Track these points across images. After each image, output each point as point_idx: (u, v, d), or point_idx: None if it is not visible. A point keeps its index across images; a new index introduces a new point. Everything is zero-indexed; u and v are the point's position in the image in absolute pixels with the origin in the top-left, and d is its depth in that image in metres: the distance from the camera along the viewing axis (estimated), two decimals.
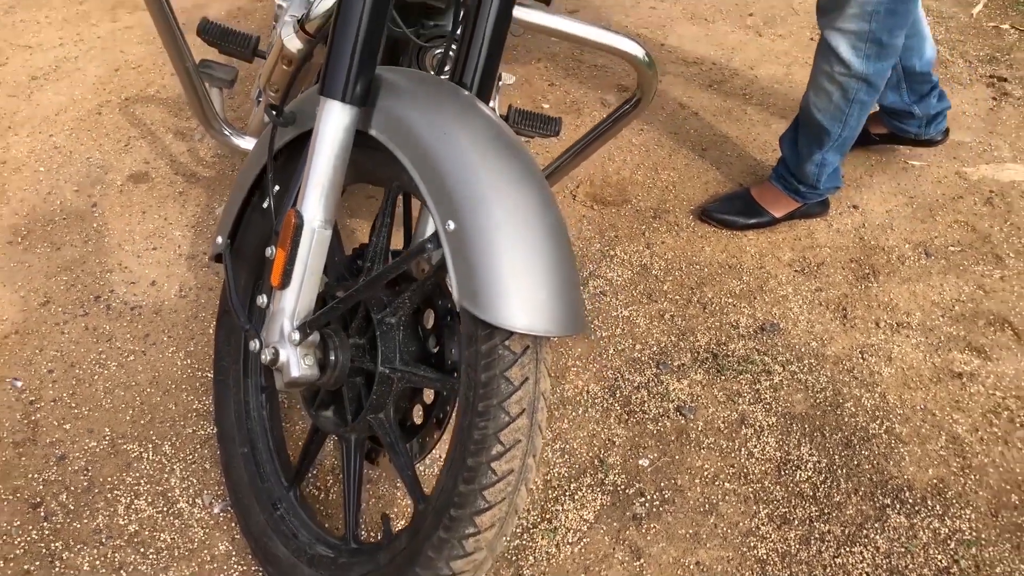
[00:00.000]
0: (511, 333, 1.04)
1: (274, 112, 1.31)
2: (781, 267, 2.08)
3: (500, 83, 2.10)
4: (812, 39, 2.89)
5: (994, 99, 2.72)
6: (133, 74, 2.61)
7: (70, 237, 2.03)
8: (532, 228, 1.07)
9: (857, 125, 2.02)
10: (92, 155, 2.29)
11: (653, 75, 1.56)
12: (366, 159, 1.26)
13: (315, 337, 1.23)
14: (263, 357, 1.22)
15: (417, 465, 1.28)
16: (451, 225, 1.07)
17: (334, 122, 1.19)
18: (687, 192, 2.29)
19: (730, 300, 1.98)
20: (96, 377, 1.72)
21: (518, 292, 1.03)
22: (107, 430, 1.63)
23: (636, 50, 1.52)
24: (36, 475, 1.55)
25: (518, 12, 1.44)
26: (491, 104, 1.66)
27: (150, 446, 1.61)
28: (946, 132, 2.36)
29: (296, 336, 1.21)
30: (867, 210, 2.25)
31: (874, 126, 2.34)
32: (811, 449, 1.67)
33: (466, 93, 1.24)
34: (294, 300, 1.22)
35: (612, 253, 2.09)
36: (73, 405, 1.67)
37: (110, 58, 2.68)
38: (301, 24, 1.53)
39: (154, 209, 2.13)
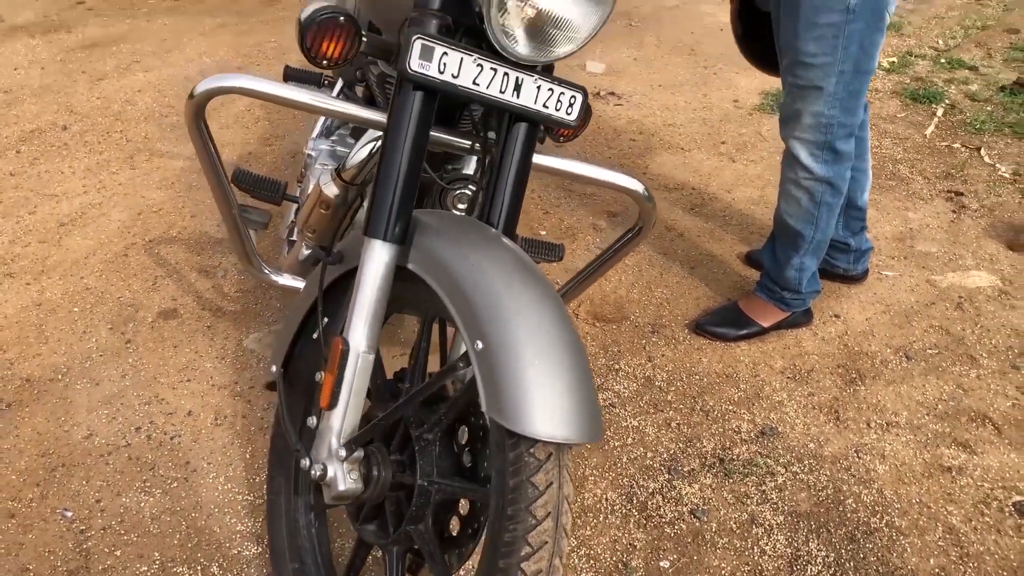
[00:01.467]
0: (535, 441, 1.17)
1: (324, 253, 1.47)
2: (774, 375, 2.23)
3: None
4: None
5: (953, 212, 2.95)
6: (155, 217, 2.78)
7: (108, 373, 2.15)
8: (552, 345, 1.21)
9: (827, 227, 2.22)
10: (122, 295, 2.43)
11: (652, 207, 1.74)
12: (405, 290, 1.40)
13: (359, 454, 1.35)
14: (312, 473, 1.34)
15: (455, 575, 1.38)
16: (479, 345, 1.21)
17: (377, 259, 1.34)
18: (680, 307, 2.46)
19: (730, 407, 2.12)
20: (142, 504, 1.81)
21: (541, 403, 1.16)
22: (156, 555, 1.71)
23: (637, 186, 1.71)
24: None
25: (536, 158, 1.63)
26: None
27: (199, 568, 1.69)
28: (867, 272, 2.58)
29: (343, 453, 1.33)
30: (848, 319, 2.43)
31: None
32: (819, 544, 1.79)
33: (492, 231, 1.41)
34: (340, 420, 1.34)
35: (617, 367, 2.24)
36: (122, 532, 1.75)
37: (132, 203, 2.86)
38: (338, 172, 1.70)
39: (185, 343, 2.26)
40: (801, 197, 2.17)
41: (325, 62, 1.33)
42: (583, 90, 1.46)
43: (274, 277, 1.93)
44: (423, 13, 1.35)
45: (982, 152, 3.33)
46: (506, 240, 1.39)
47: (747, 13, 2.31)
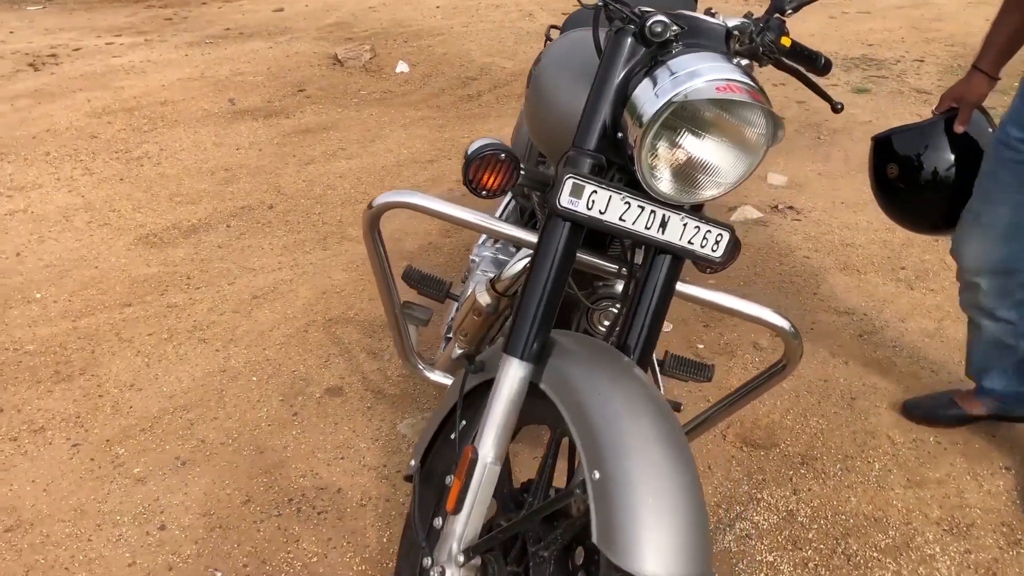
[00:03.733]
0: None
1: (467, 361, 1.56)
2: (929, 524, 2.11)
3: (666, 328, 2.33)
4: None
5: None
6: (337, 297, 3.00)
7: (271, 443, 2.33)
8: (668, 484, 1.23)
9: None
10: (297, 368, 2.62)
11: (798, 345, 1.72)
12: (536, 405, 1.46)
13: (476, 561, 1.40)
14: (432, 574, 1.40)
15: None
16: (596, 475, 1.24)
17: (512, 377, 1.41)
18: (835, 440, 2.38)
19: (875, 554, 2.02)
20: (282, 574, 1.94)
21: (650, 541, 1.18)
22: None
23: (783, 323, 1.69)
24: None
25: (680, 286, 1.67)
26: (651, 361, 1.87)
27: None
28: None
29: (461, 559, 1.38)
30: (1020, 472, 2.27)
31: (971, 406, 2.39)
32: None
33: (626, 359, 1.44)
34: (463, 526, 1.40)
35: (759, 496, 2.19)
36: None
37: (319, 282, 3.09)
38: (492, 283, 1.80)
39: (344, 421, 2.41)
40: None
41: (484, 192, 1.44)
42: (730, 228, 1.49)
43: (427, 373, 2.04)
44: (579, 152, 1.43)
45: None
46: (637, 371, 1.42)
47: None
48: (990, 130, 2.21)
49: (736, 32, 1.50)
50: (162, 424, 2.38)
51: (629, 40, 1.45)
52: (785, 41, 1.55)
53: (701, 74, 1.34)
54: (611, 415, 1.30)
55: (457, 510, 1.42)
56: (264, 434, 2.36)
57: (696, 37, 1.44)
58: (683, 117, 1.34)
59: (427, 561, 1.44)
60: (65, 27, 6.61)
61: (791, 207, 3.72)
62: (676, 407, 2.06)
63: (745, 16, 1.52)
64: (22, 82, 5.25)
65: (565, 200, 1.37)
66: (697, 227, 1.46)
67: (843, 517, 2.13)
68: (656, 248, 1.48)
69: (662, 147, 1.35)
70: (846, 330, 2.88)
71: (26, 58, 5.73)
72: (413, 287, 2.24)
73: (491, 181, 1.42)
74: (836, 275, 3.21)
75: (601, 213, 1.39)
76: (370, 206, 1.71)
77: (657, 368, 2.11)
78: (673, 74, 1.36)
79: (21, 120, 4.61)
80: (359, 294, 3.01)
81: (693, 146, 1.37)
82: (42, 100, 4.93)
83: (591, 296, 1.77)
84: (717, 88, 1.32)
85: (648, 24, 1.39)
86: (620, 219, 1.41)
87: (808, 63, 1.65)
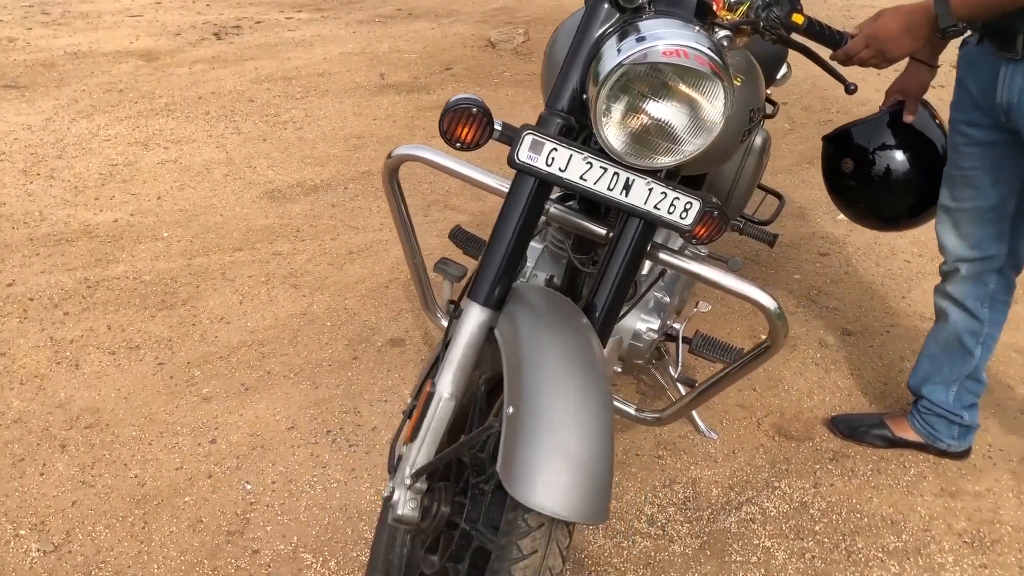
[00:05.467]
0: (530, 508, 1.25)
1: (452, 306, 1.66)
2: (950, 535, 2.03)
3: (696, 310, 2.34)
4: None
5: None
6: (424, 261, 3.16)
7: (327, 380, 2.52)
8: (574, 426, 1.28)
9: None
10: (369, 319, 2.81)
11: (783, 326, 1.70)
12: (496, 351, 1.54)
13: (422, 485, 1.50)
14: (384, 493, 1.52)
15: None
16: (511, 410, 1.31)
17: (472, 320, 1.50)
18: None
19: (879, 555, 1.97)
20: (303, 495, 2.12)
21: (543, 476, 1.24)
22: (295, 538, 2.00)
23: (769, 303, 1.66)
24: (233, 560, 1.94)
25: (670, 256, 1.69)
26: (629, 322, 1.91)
27: (320, 559, 1.95)
28: (967, 451, 2.27)
29: (408, 481, 1.49)
30: None
31: (902, 429, 2.28)
32: None
33: (579, 316, 1.50)
34: (416, 453, 1.51)
35: (776, 485, 2.17)
36: (279, 512, 2.06)
37: None
38: None
39: (397, 370, 2.57)
40: None
41: (459, 144, 1.52)
42: (701, 198, 1.50)
43: (443, 322, 2.16)
44: (551, 112, 1.51)
45: None
46: (584, 325, 1.48)
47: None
48: (934, 121, 2.20)
49: (720, 3, 1.51)
50: (238, 354, 2.63)
51: (606, 6, 1.50)
52: (797, 18, 1.56)
53: (658, 38, 1.38)
54: (538, 358, 1.37)
55: (412, 438, 1.53)
56: (323, 372, 2.56)
57: (669, 4, 1.47)
58: (637, 79, 1.38)
59: (388, 483, 1.57)
60: (254, 2, 7.15)
61: None
62: (690, 383, 2.08)
63: None
64: (204, 49, 5.76)
65: (524, 155, 1.44)
66: (664, 193, 1.48)
67: (858, 515, 2.08)
68: (627, 212, 1.52)
69: (616, 107, 1.40)
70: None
71: (213, 28, 6.27)
72: (459, 247, 2.37)
73: (465, 133, 1.48)
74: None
75: (561, 171, 1.45)
76: (389, 156, 1.83)
77: (681, 345, 2.14)
78: (634, 37, 1.40)
79: (193, 82, 5.08)
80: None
81: (645, 109, 1.40)
82: (216, 66, 5.39)
83: (586, 263, 1.82)
84: (664, 53, 1.35)
85: None
86: (581, 178, 1.46)
87: (828, 42, 1.64)
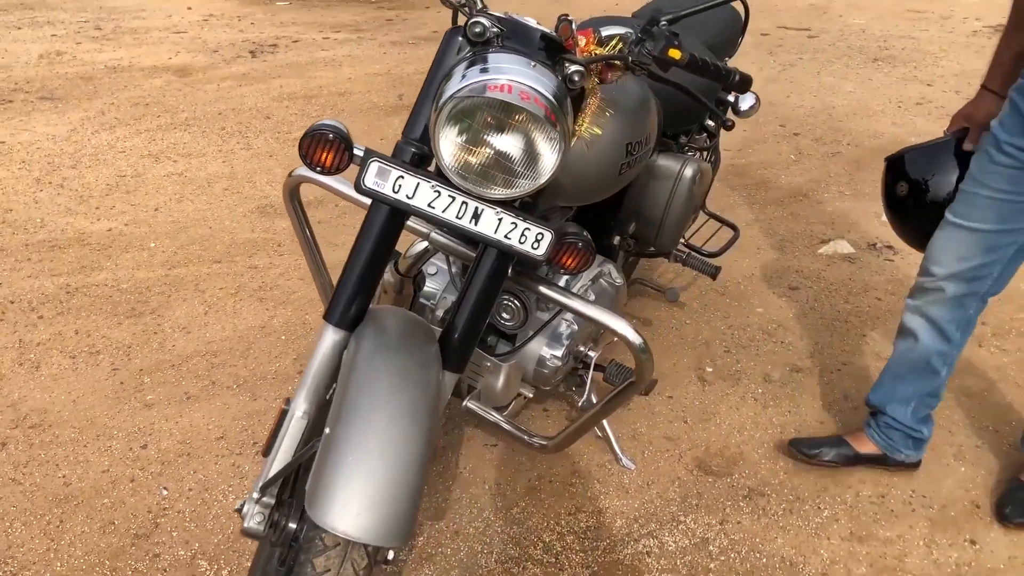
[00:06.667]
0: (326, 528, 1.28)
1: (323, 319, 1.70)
2: None
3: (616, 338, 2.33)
4: None
5: None
6: None
7: (267, 392, 2.59)
8: (385, 451, 1.31)
9: None
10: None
11: (648, 360, 1.70)
12: None
13: (268, 500, 1.54)
14: (236, 504, 1.57)
15: None
16: (327, 431, 1.35)
17: (325, 340, 1.55)
18: (796, 481, 2.28)
19: None
20: (215, 503, 2.18)
21: (342, 497, 1.27)
22: (196, 545, 2.06)
23: (633, 337, 1.66)
24: (133, 563, 2.01)
25: (529, 282, 1.72)
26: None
27: (216, 566, 2.00)
28: (919, 462, 2.31)
29: (255, 495, 1.53)
30: (984, 548, 2.06)
31: (861, 444, 2.30)
32: None
33: (429, 343, 1.53)
34: (268, 467, 1.55)
35: (682, 519, 2.15)
36: (187, 519, 2.13)
37: None
38: (396, 264, 1.93)
39: None
40: None
41: (319, 168, 1.57)
42: (553, 230, 1.52)
43: None
44: (405, 142, 1.55)
45: None
46: (429, 352, 1.51)
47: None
48: None
49: (590, 37, 1.53)
50: (190, 363, 2.72)
51: (460, 37, 1.54)
52: (674, 53, 1.56)
53: (497, 72, 1.41)
54: (366, 382, 1.41)
55: (266, 453, 1.58)
56: (266, 384, 2.63)
57: (516, 39, 1.50)
58: (468, 110, 1.41)
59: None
60: (297, 21, 7.36)
61: (890, 246, 3.49)
62: (651, 387, 2.08)
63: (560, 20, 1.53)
64: (237, 66, 5.95)
65: (370, 181, 1.49)
66: (514, 223, 1.51)
67: (757, 555, 2.05)
68: (477, 240, 1.55)
69: (450, 136, 1.43)
70: (876, 376, 2.69)
71: (251, 46, 6.47)
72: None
73: (324, 158, 1.53)
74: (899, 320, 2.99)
75: (409, 198, 1.49)
76: (289, 175, 1.89)
77: (593, 373, 2.14)
78: (478, 68, 1.44)
79: (218, 98, 5.25)
80: None
81: (481, 139, 1.43)
82: (243, 83, 5.57)
83: None
84: (490, 87, 1.38)
85: (468, 24, 1.48)
86: (429, 206, 1.50)
87: (715, 78, 1.64)
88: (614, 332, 1.68)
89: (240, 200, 3.89)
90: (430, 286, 2.08)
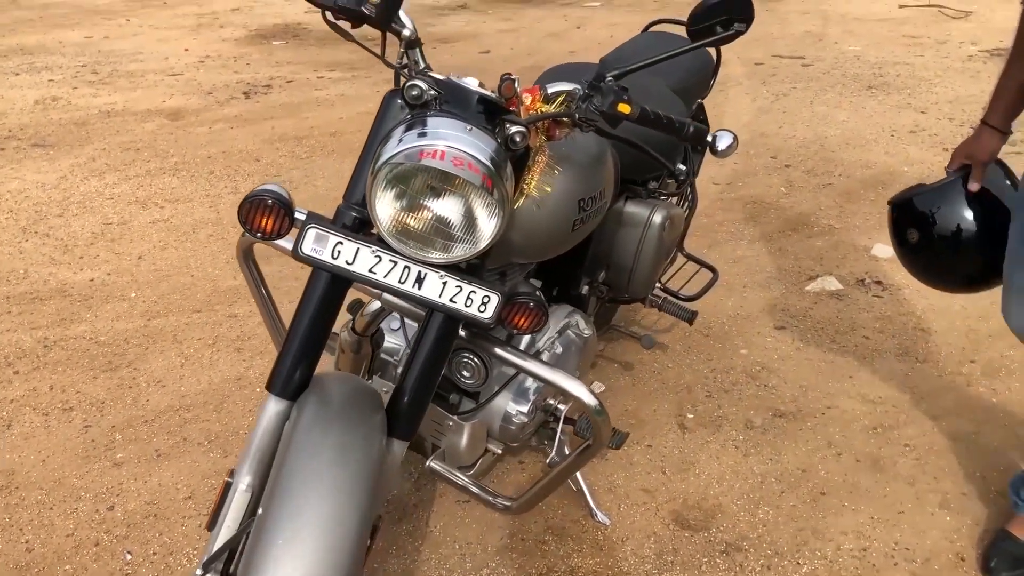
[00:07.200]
0: None
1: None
2: None
3: (595, 390, 2.29)
4: None
5: None
6: None
7: (238, 449, 2.54)
8: (317, 533, 1.26)
9: None
10: None
11: (604, 422, 1.65)
12: None
13: (214, 575, 1.50)
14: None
15: None
16: (260, 511, 1.31)
17: (267, 411, 1.51)
18: (776, 535, 2.21)
19: None
20: (180, 568, 2.14)
21: None
22: None
23: (589, 399, 1.61)
24: None
25: (483, 342, 1.68)
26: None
27: None
28: None
29: (199, 572, 1.49)
30: None
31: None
32: None
33: (378, 417, 1.49)
34: (212, 542, 1.51)
35: None
36: None
37: None
38: (352, 324, 1.89)
39: None
40: None
41: (259, 235, 1.53)
42: (501, 293, 1.48)
43: None
44: (347, 205, 1.52)
45: None
46: (374, 422, 1.47)
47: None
48: (1007, 182, 2.09)
49: (499, 99, 1.49)
50: (163, 419, 2.68)
51: (399, 100, 1.52)
52: (624, 108, 1.53)
53: (428, 137, 1.39)
54: (302, 459, 1.37)
55: (210, 527, 1.53)
56: (238, 440, 2.58)
57: (454, 102, 1.47)
58: (403, 175, 1.38)
59: None
60: (292, 60, 7.39)
61: (879, 282, 3.43)
62: (621, 441, 2.04)
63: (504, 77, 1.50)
64: (230, 108, 5.96)
65: (308, 248, 1.46)
66: (459, 286, 1.48)
67: None
68: (422, 305, 1.51)
69: (387, 201, 1.40)
70: (862, 420, 2.64)
71: (245, 87, 6.50)
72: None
73: (264, 224, 1.50)
74: (888, 360, 2.94)
75: (348, 264, 1.46)
76: (242, 235, 1.86)
77: (563, 427, 2.09)
78: (416, 132, 1.41)
79: (209, 141, 5.26)
80: None
81: (417, 204, 1.40)
82: (235, 125, 5.58)
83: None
84: (420, 154, 1.35)
85: (405, 87, 1.46)
86: (370, 271, 1.47)
87: (668, 131, 1.61)
88: (569, 394, 1.64)
89: (224, 246, 3.87)
90: (392, 342, 2.04)
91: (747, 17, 1.54)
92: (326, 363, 2.09)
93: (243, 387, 2.83)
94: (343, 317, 1.83)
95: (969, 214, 2.08)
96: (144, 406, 2.75)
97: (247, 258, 1.93)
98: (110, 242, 3.91)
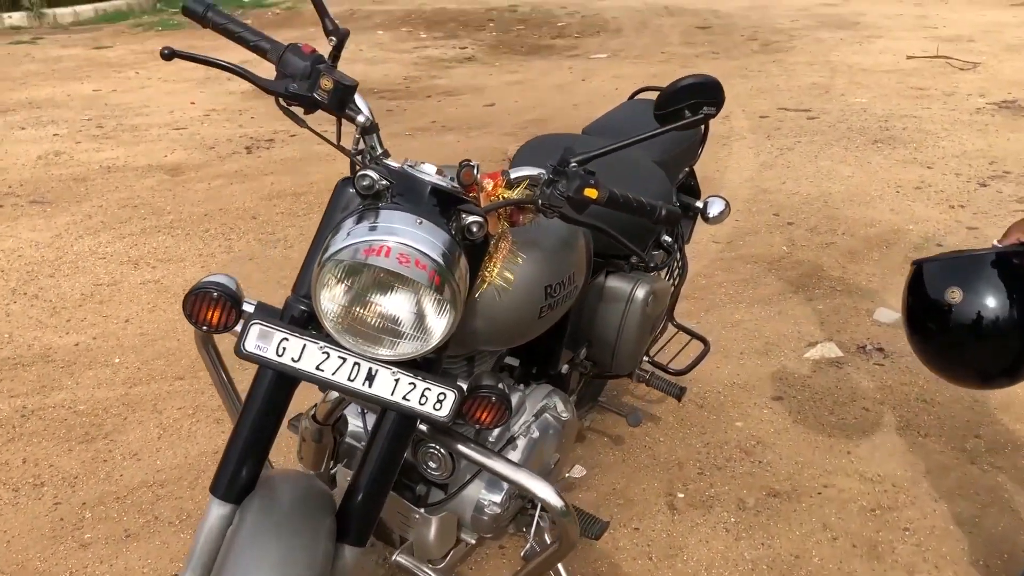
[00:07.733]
0: None
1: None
2: None
3: (568, 476, 2.20)
4: None
5: None
6: None
7: None
8: None
9: None
10: (277, 460, 2.75)
11: (571, 523, 1.56)
12: None
13: None
14: None
15: None
16: None
17: (212, 513, 1.44)
18: None
19: None
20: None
21: None
22: None
23: (555, 501, 1.52)
24: None
25: (444, 438, 1.60)
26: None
27: None
28: None
29: None
30: None
31: None
32: None
33: (327, 520, 1.41)
34: None
35: None
36: None
37: None
38: (313, 413, 1.81)
39: None
40: None
41: (205, 328, 1.46)
42: (458, 390, 1.41)
43: None
44: (295, 299, 1.46)
45: None
46: (321, 526, 1.40)
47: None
48: None
49: (453, 187, 1.43)
50: (135, 495, 2.60)
51: (351, 190, 1.46)
52: (591, 192, 1.46)
53: (378, 232, 1.32)
54: (242, 565, 1.31)
55: None
56: None
57: (406, 193, 1.41)
58: (347, 271, 1.32)
59: None
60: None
61: (880, 349, 3.33)
62: (601, 531, 1.96)
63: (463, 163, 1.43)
64: (231, 163, 5.96)
65: (251, 345, 1.39)
66: (413, 383, 1.40)
67: None
68: (373, 403, 1.43)
69: (332, 295, 1.34)
70: (859, 500, 2.52)
71: (248, 141, 6.50)
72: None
73: (210, 317, 1.43)
74: (888, 434, 2.83)
75: (294, 360, 1.39)
76: None
77: (540, 515, 2.00)
78: (366, 224, 1.35)
79: (207, 198, 5.24)
80: None
81: (363, 301, 1.33)
82: (234, 181, 5.56)
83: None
84: (364, 251, 1.29)
85: (356, 177, 1.39)
86: (318, 368, 1.40)
87: (639, 213, 1.54)
88: (533, 496, 1.55)
89: None
90: (356, 426, 1.96)
91: (716, 101, 1.47)
92: (292, 445, 2.02)
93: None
94: (303, 405, 1.76)
95: (1009, 293, 1.79)
96: (118, 481, 2.67)
97: (206, 344, 1.87)
98: (99, 304, 3.86)
